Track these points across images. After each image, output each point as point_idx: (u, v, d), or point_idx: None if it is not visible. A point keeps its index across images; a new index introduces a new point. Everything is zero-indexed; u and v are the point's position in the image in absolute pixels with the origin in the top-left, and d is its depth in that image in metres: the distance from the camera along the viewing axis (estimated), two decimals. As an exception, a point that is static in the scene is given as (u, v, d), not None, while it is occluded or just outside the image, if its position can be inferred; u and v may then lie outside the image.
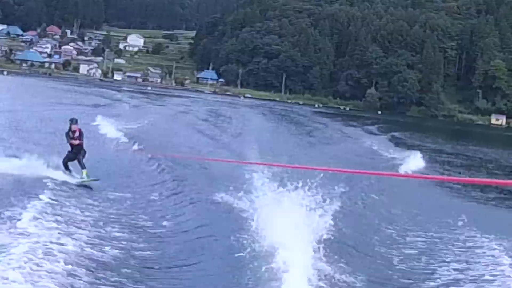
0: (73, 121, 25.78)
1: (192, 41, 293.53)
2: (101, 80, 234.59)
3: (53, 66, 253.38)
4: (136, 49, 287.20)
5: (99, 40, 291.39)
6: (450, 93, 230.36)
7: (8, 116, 49.22)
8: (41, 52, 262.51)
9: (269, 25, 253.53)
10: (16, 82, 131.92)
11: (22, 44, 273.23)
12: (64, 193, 22.14)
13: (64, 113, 51.05)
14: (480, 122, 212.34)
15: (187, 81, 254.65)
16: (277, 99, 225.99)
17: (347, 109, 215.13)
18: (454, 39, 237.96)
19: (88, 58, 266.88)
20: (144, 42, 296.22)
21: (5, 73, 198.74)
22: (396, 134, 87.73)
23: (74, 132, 25.46)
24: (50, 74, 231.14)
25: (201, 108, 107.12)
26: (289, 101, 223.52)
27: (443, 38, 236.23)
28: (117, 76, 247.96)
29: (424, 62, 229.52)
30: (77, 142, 25.36)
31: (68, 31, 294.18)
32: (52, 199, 20.20)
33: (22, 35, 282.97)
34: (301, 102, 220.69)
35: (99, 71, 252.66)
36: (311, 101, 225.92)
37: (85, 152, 25.89)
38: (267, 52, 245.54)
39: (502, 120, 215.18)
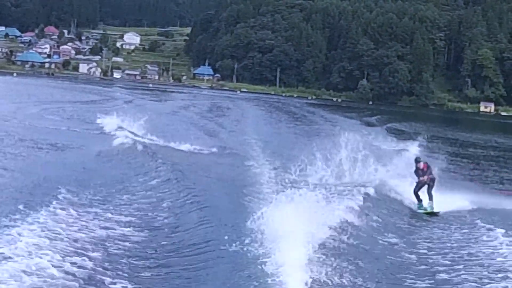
0: (417, 159, 27.12)
1: (187, 38, 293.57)
2: (101, 78, 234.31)
3: (53, 66, 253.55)
4: (133, 47, 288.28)
5: (96, 39, 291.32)
6: (439, 82, 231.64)
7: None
8: (40, 53, 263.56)
9: (263, 20, 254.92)
10: (28, 83, 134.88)
11: (21, 45, 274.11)
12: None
13: (103, 109, 63.12)
14: (469, 110, 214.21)
15: (184, 77, 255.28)
16: (272, 92, 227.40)
17: (339, 100, 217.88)
18: (443, 30, 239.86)
19: (86, 57, 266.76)
20: (140, 40, 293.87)
21: (15, 74, 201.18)
22: (390, 124, 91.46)
23: (422, 170, 26.39)
24: (52, 74, 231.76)
25: (203, 101, 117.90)
26: (283, 94, 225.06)
27: (432, 29, 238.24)
28: (116, 74, 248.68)
29: (414, 53, 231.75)
30: (425, 178, 26.29)
31: (65, 31, 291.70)
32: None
33: (20, 36, 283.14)
34: (295, 95, 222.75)
35: (99, 70, 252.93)
36: (305, 94, 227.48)
37: (433, 181, 26.66)
38: (261, 47, 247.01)
39: (490, 108, 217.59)
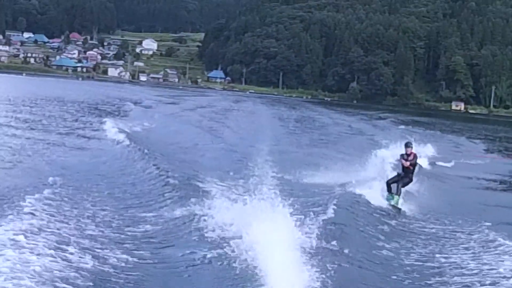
0: (407, 144, 25.10)
1: (199, 44, 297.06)
2: (130, 81, 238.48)
3: (85, 70, 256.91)
4: (151, 52, 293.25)
5: (117, 45, 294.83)
6: (419, 84, 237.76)
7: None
8: (70, 58, 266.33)
9: (268, 30, 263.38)
10: (83, 86, 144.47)
11: (50, 50, 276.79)
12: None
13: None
14: (443, 108, 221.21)
15: (200, 80, 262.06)
16: (275, 93, 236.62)
17: (329, 99, 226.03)
18: (422, 39, 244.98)
19: (111, 62, 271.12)
20: (157, 46, 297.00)
21: (81, 79, 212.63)
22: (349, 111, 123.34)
23: (409, 155, 24.62)
24: (93, 77, 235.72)
25: (228, 97, 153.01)
26: (284, 94, 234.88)
27: (413, 39, 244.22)
28: (143, 78, 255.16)
29: (397, 59, 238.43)
30: (408, 163, 24.45)
31: (88, 37, 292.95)
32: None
33: (48, 42, 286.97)
34: (294, 95, 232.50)
35: (128, 73, 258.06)
36: (303, 94, 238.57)
37: (410, 180, 24.78)
38: (266, 54, 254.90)
39: (460, 106, 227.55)
